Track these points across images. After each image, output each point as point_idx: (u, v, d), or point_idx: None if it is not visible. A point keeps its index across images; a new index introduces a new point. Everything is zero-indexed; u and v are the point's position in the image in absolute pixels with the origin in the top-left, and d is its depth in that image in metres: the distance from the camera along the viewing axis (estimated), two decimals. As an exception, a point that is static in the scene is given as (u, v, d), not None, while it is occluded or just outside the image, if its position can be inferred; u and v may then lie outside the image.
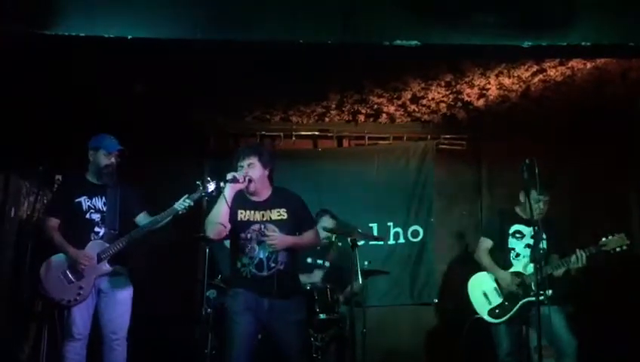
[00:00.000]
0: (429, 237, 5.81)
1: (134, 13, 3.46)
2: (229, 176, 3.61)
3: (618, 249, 4.03)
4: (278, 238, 3.65)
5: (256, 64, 4.52)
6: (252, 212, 3.74)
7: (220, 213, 3.62)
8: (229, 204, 3.62)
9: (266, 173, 3.76)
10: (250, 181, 3.66)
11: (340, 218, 5.25)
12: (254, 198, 3.77)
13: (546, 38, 3.46)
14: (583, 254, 4.07)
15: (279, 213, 3.74)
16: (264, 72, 4.67)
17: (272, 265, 3.68)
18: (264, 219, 3.72)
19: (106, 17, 3.44)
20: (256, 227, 3.70)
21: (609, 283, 5.11)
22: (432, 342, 5.69)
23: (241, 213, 3.73)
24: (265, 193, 3.78)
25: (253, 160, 3.70)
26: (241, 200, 3.72)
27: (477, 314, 4.41)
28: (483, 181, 5.93)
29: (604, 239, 4.05)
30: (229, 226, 3.66)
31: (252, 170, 3.69)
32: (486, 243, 4.53)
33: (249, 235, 3.70)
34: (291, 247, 3.75)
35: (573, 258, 4.08)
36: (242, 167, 3.70)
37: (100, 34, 3.42)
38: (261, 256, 3.67)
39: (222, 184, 3.62)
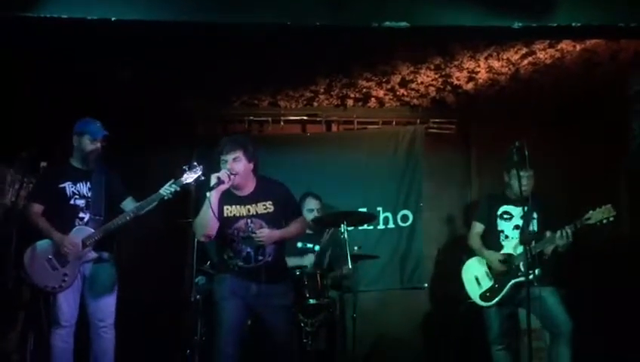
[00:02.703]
0: (419, 222, 5.80)
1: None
2: (214, 180, 3.51)
3: (605, 221, 3.96)
4: (265, 235, 3.61)
5: (243, 47, 4.46)
6: (237, 207, 3.68)
7: (208, 219, 3.54)
8: (215, 210, 3.53)
9: (251, 166, 3.68)
10: (235, 175, 3.58)
11: (325, 201, 5.22)
12: (239, 193, 3.70)
13: (535, 19, 3.44)
14: (569, 230, 4.04)
15: (265, 206, 3.70)
16: (252, 56, 4.61)
17: (260, 258, 3.67)
18: (250, 213, 3.68)
19: (90, -1, 3.37)
20: (242, 222, 3.66)
21: (599, 263, 5.13)
22: (422, 327, 5.70)
23: (227, 209, 3.67)
24: (250, 186, 3.72)
25: (239, 153, 3.61)
26: (227, 195, 3.64)
27: (470, 298, 4.43)
28: (472, 165, 5.91)
29: (590, 212, 4.01)
30: (216, 229, 3.59)
31: (237, 164, 3.60)
32: (477, 227, 4.54)
33: (235, 231, 3.66)
34: (279, 240, 3.73)
35: (558, 234, 4.07)
36: (226, 161, 3.60)
37: (82, 16, 3.36)
38: (248, 249, 3.65)
39: (207, 193, 3.49)
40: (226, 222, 3.65)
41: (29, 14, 3.34)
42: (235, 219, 3.67)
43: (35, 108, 4.99)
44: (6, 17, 3.37)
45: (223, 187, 3.54)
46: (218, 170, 3.62)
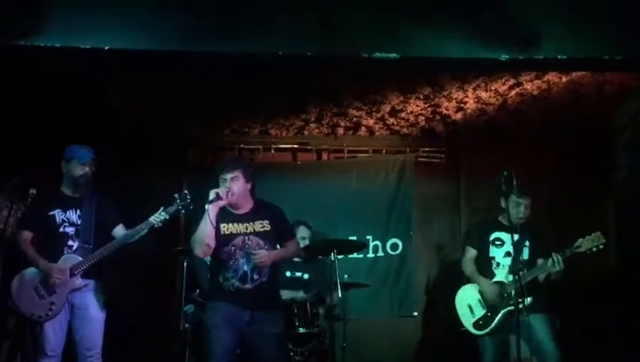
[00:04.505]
0: (409, 250, 5.81)
1: (112, 24, 3.43)
2: (212, 195, 3.57)
3: (595, 248, 3.99)
4: (264, 255, 3.65)
5: (234, 76, 4.50)
6: (235, 224, 3.72)
7: (206, 233, 3.59)
8: (214, 223, 3.58)
9: (249, 186, 3.75)
10: (232, 194, 3.64)
11: (318, 230, 5.22)
12: (236, 211, 3.76)
13: (522, 52, 3.51)
14: (559, 257, 4.05)
15: (262, 225, 3.75)
16: (243, 85, 4.65)
17: (256, 277, 3.67)
18: (248, 230, 3.72)
19: (83, 28, 3.40)
20: (239, 239, 3.69)
21: (588, 291, 5.14)
22: (413, 355, 5.66)
23: (224, 227, 3.70)
24: (247, 206, 3.78)
25: (238, 173, 3.69)
26: (224, 213, 3.69)
27: (463, 326, 4.41)
28: (462, 193, 5.95)
29: (580, 240, 4.03)
30: (214, 244, 3.63)
31: (235, 184, 3.67)
32: (470, 252, 4.54)
33: (233, 248, 3.68)
34: (277, 260, 3.77)
35: (549, 262, 4.08)
36: (225, 180, 3.67)
37: (76, 45, 3.39)
38: (245, 268, 3.66)
39: (206, 206, 3.56)
40: (223, 240, 3.67)
41: (22, 43, 3.36)
42: (233, 236, 3.70)
43: (24, 133, 4.99)
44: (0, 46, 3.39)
45: (220, 203, 3.59)
46: (215, 188, 3.65)
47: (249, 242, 3.68)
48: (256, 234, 3.72)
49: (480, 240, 4.50)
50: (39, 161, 4.65)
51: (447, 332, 4.79)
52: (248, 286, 3.66)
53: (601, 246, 3.98)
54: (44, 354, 3.86)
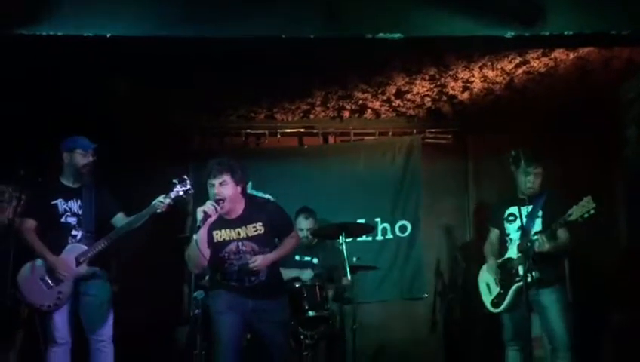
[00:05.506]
0: (417, 232, 5.79)
1: (113, 11, 3.43)
2: (200, 215, 3.41)
3: (586, 215, 3.83)
4: (259, 262, 3.58)
5: (238, 61, 4.48)
6: (227, 231, 3.63)
7: (197, 259, 3.49)
8: (205, 241, 3.47)
9: (239, 189, 3.61)
10: (222, 201, 3.51)
11: (323, 213, 5.19)
12: (228, 216, 3.63)
13: (528, 28, 3.46)
14: (554, 228, 4.01)
15: (255, 228, 3.65)
16: (247, 69, 4.63)
17: (253, 278, 3.65)
18: (240, 236, 3.63)
19: (85, 16, 3.41)
20: (233, 245, 3.63)
21: (600, 269, 5.12)
22: (424, 337, 5.67)
23: (217, 234, 3.63)
24: (238, 209, 3.66)
25: (226, 177, 3.53)
26: (215, 220, 3.55)
27: (485, 306, 4.42)
28: (470, 174, 5.91)
29: (573, 207, 3.89)
30: (207, 263, 3.57)
31: (225, 189, 3.52)
32: (492, 233, 4.54)
33: (226, 255, 3.63)
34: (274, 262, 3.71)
35: (537, 243, 4.03)
36: (213, 185, 3.53)
37: (78, 33, 3.38)
38: (241, 272, 3.63)
39: (194, 236, 3.44)
40: (217, 247, 3.60)
41: (24, 32, 3.36)
42: (226, 243, 3.62)
43: (30, 124, 5.00)
44: (2, 35, 3.39)
45: (210, 220, 3.46)
46: (207, 193, 3.58)
47: (243, 248, 3.61)
48: (249, 238, 3.62)
49: (498, 218, 4.47)
50: (45, 151, 4.67)
51: (458, 313, 4.78)
52: (245, 284, 3.64)
53: (592, 212, 3.81)
54: (55, 343, 3.92)
